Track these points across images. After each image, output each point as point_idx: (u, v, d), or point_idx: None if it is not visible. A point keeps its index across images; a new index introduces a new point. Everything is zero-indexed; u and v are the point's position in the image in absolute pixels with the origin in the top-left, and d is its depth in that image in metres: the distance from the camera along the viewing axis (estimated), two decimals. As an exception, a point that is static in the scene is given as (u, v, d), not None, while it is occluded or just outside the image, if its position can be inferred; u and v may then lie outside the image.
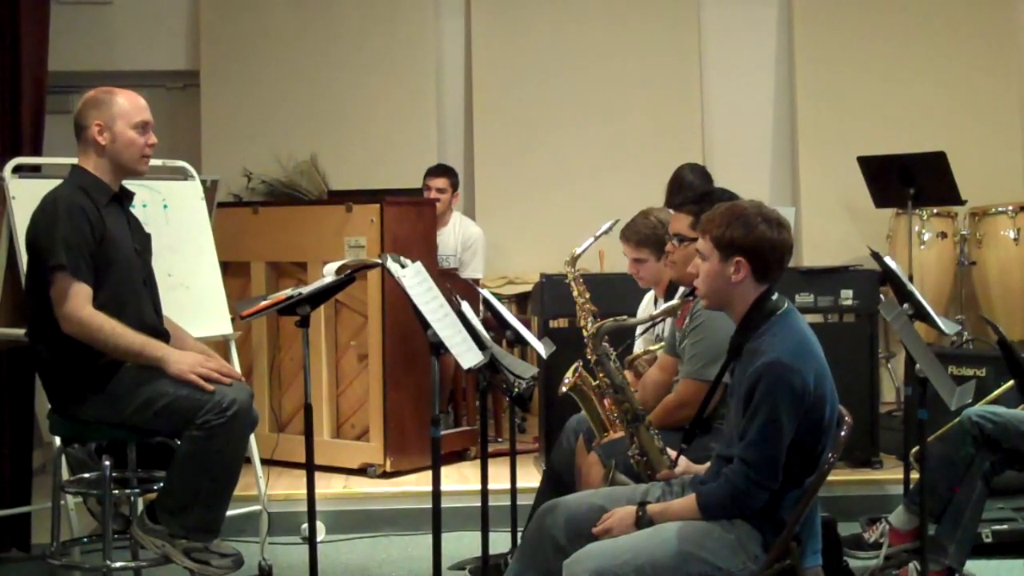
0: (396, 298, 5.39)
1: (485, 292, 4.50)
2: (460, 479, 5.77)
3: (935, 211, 7.06)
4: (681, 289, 4.26)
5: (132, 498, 4.10)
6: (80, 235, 3.70)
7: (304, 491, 3.89)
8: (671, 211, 4.75)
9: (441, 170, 7.17)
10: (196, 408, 3.68)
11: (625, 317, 4.00)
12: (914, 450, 4.62)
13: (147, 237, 4.08)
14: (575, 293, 4.38)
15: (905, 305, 4.33)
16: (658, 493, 3.43)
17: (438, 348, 3.56)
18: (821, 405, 3.15)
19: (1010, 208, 7.08)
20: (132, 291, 3.87)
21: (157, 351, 3.76)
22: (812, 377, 3.13)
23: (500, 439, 6.51)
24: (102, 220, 3.78)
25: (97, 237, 3.75)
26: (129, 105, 3.89)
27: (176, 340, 4.00)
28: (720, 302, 3.32)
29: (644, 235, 4.54)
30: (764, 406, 3.09)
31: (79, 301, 3.67)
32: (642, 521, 3.22)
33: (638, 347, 4.85)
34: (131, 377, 3.75)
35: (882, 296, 5.75)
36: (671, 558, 3.11)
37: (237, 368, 5.06)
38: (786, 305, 3.27)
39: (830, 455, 3.20)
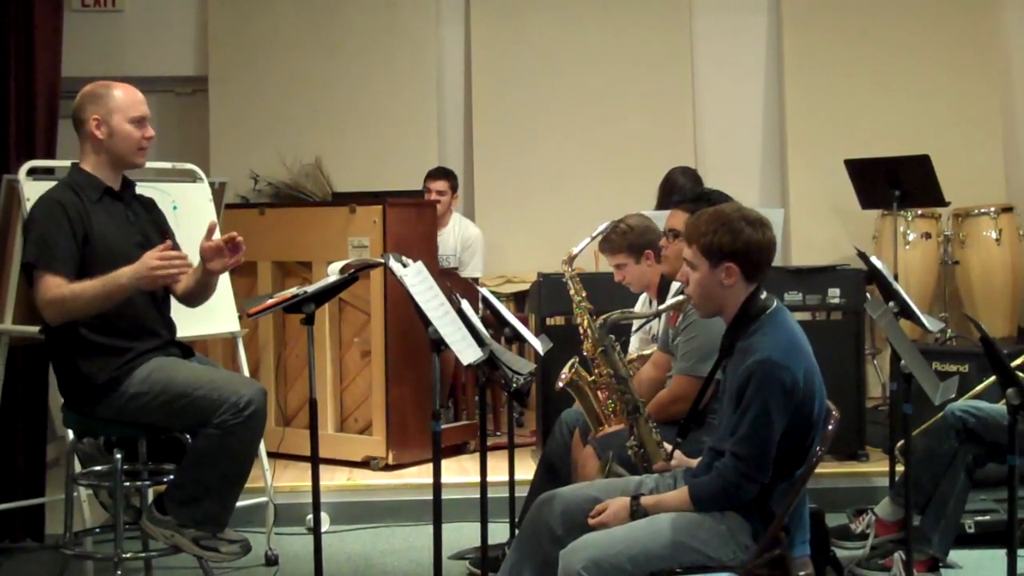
0: (398, 296, 5.38)
1: (484, 291, 4.49)
2: (460, 472, 5.76)
3: (919, 212, 7.07)
4: (675, 285, 4.26)
5: (143, 490, 4.08)
6: (55, 227, 3.65)
7: (309, 483, 3.88)
8: (644, 214, 4.78)
9: (441, 173, 7.18)
10: (214, 408, 3.66)
11: (632, 310, 4.01)
12: (899, 444, 4.61)
13: (162, 226, 4.02)
14: (572, 292, 4.38)
15: (891, 303, 4.32)
16: (652, 485, 3.44)
17: (439, 345, 3.55)
18: (810, 400, 3.15)
19: (992, 209, 7.10)
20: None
21: (117, 281, 3.62)
22: (802, 374, 3.13)
23: (499, 433, 6.50)
24: (87, 217, 3.72)
25: (79, 234, 3.69)
26: (126, 99, 3.85)
27: None
28: (714, 308, 3.31)
29: (616, 242, 4.60)
30: (755, 402, 3.09)
31: (46, 289, 3.62)
32: (636, 513, 3.22)
33: (632, 344, 4.86)
34: (148, 378, 3.72)
35: (868, 295, 5.75)
36: (664, 548, 3.11)
37: (245, 369, 5.08)
38: (775, 303, 3.27)
39: (818, 448, 3.20)
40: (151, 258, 3.63)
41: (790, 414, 3.11)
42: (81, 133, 3.86)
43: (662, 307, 4.08)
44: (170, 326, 3.95)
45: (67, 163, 4.96)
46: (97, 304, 3.64)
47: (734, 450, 3.13)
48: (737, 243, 3.20)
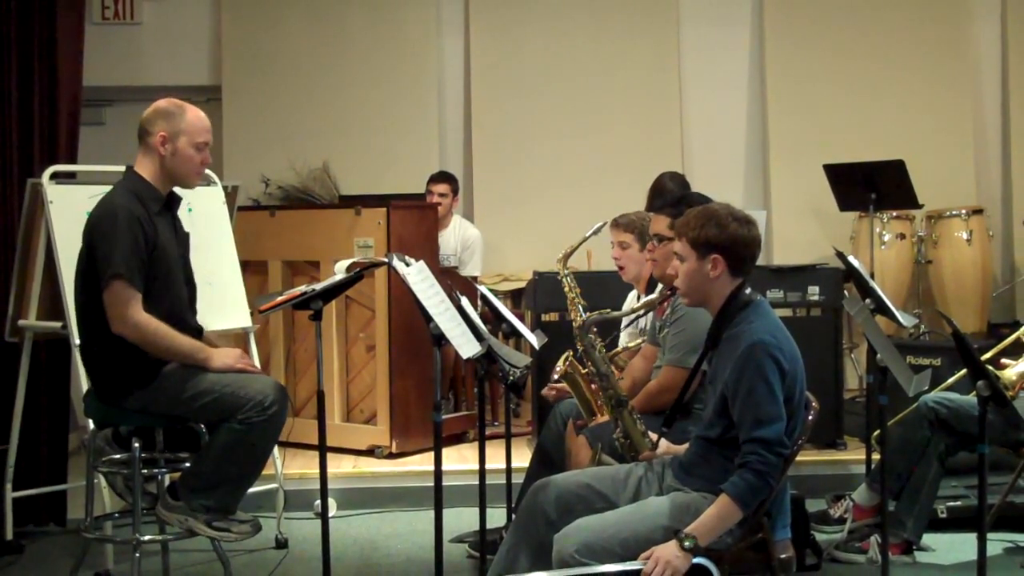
0: (401, 294, 5.39)
1: (483, 288, 4.49)
2: (460, 459, 5.77)
3: (895, 214, 7.08)
4: (660, 285, 4.26)
5: (159, 477, 4.08)
6: (137, 246, 3.65)
7: (317, 470, 3.88)
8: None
9: (443, 176, 7.17)
10: (239, 405, 3.66)
11: (609, 310, 4.00)
12: (875, 433, 4.62)
13: (186, 236, 4.02)
14: (566, 289, 4.37)
15: (867, 300, 4.32)
16: (640, 472, 3.43)
17: (440, 340, 3.55)
18: (793, 386, 3.16)
19: (963, 212, 7.11)
20: (179, 297, 3.83)
21: (202, 353, 3.74)
22: (790, 356, 3.15)
23: (496, 423, 6.51)
24: (155, 230, 3.72)
25: (150, 247, 3.69)
26: (195, 124, 3.81)
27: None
28: (700, 298, 3.32)
29: (631, 221, 4.60)
30: (758, 382, 3.07)
31: (134, 307, 3.63)
32: (689, 547, 2.99)
33: (623, 340, 4.85)
34: (176, 374, 3.72)
35: (846, 292, 5.76)
36: (653, 531, 3.10)
37: (256, 361, 5.07)
38: (758, 298, 3.28)
39: (799, 438, 3.20)
40: (241, 358, 3.81)
41: (784, 390, 3.11)
42: (144, 143, 3.81)
43: (637, 306, 4.10)
44: (199, 331, 3.95)
45: (89, 168, 4.99)
46: (170, 356, 3.72)
47: (754, 436, 3.05)
48: (723, 236, 3.21)
